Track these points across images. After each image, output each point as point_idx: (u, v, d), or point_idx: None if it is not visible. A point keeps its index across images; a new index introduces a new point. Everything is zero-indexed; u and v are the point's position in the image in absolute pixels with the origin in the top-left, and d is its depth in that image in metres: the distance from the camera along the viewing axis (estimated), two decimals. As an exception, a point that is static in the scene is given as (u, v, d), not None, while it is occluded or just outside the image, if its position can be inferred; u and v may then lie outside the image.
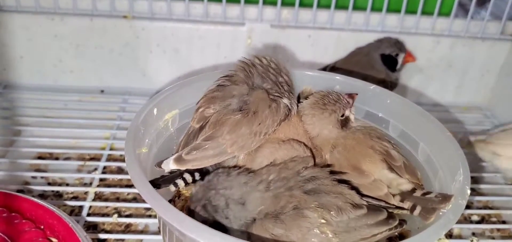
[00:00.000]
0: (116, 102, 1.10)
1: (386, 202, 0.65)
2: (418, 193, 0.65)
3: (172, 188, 0.67)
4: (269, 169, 0.63)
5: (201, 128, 0.70)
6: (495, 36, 1.15)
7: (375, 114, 0.80)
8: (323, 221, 0.57)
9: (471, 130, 1.10)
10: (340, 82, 0.83)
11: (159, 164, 0.67)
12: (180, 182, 0.67)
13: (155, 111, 0.72)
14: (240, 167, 0.66)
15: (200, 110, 0.72)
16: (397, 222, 0.61)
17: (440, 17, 1.13)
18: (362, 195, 0.63)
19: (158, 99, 0.72)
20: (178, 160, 0.66)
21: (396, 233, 0.63)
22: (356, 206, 0.60)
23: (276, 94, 0.71)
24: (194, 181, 0.68)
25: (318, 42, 1.13)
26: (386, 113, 0.79)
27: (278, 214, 0.58)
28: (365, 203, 0.61)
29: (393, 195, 0.65)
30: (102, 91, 1.14)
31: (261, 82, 0.72)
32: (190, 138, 0.70)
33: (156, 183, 0.64)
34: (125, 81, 1.14)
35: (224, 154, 0.67)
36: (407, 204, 0.64)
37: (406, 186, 0.66)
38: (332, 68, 1.05)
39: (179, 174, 0.67)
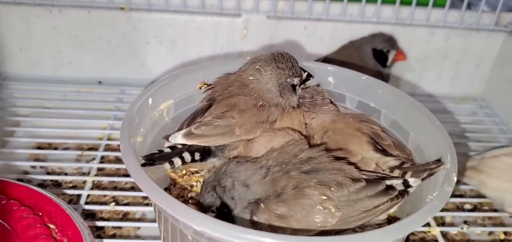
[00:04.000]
0: (114, 93, 1.11)
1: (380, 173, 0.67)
2: (407, 165, 0.67)
3: (167, 166, 0.67)
4: (268, 155, 0.65)
5: (209, 106, 0.72)
6: (490, 27, 1.15)
7: (367, 104, 0.81)
8: (324, 197, 0.59)
9: (463, 121, 1.12)
10: (333, 73, 0.84)
11: (166, 137, 0.69)
12: (177, 161, 0.67)
13: (150, 101, 0.73)
14: (247, 157, 0.67)
15: (210, 90, 0.74)
16: (397, 192, 0.63)
17: (435, 8, 1.13)
18: (360, 170, 0.65)
19: (153, 89, 0.74)
20: (188, 134, 0.68)
21: (399, 204, 0.64)
22: (355, 179, 0.61)
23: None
24: (193, 160, 0.69)
25: (314, 33, 1.14)
26: (377, 103, 0.80)
27: (279, 194, 0.60)
28: (363, 176, 0.63)
29: (382, 170, 0.67)
30: (100, 82, 1.15)
31: None
32: (197, 115, 0.72)
33: (151, 159, 0.65)
34: (123, 72, 1.15)
35: (232, 134, 0.69)
36: (397, 173, 0.66)
37: (393, 162, 0.68)
38: (324, 59, 1.06)
39: (177, 152, 0.68)
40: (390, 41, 1.07)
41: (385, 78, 1.05)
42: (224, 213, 0.61)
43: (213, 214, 0.62)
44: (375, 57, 1.05)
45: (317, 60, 1.07)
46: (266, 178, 0.62)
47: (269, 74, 0.73)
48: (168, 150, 0.69)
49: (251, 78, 0.74)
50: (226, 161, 0.65)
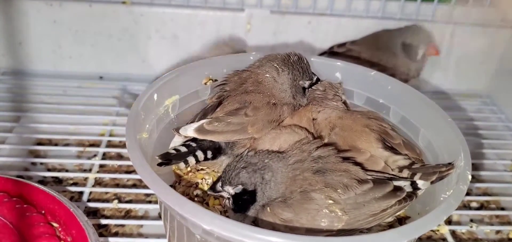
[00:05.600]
0: (115, 88, 1.10)
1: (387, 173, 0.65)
2: (417, 165, 0.66)
3: (182, 165, 0.67)
4: (289, 153, 0.64)
5: (219, 103, 0.71)
6: (495, 23, 1.14)
7: (375, 100, 0.80)
8: (330, 201, 0.57)
9: (468, 118, 1.11)
10: (341, 68, 0.83)
11: (177, 129, 0.68)
12: (191, 160, 0.67)
13: (155, 96, 0.71)
14: (282, 153, 0.66)
15: (220, 87, 0.74)
16: (405, 193, 0.61)
17: (441, 3, 1.12)
18: (367, 170, 0.64)
19: (158, 85, 0.72)
20: (200, 129, 0.67)
21: (405, 208, 0.63)
22: (362, 181, 0.60)
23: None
24: (206, 159, 0.68)
25: (318, 28, 1.13)
26: (387, 99, 0.79)
27: (286, 199, 0.58)
28: (370, 177, 0.61)
29: (392, 169, 0.66)
30: (101, 78, 1.14)
31: None
32: (207, 111, 0.71)
33: (167, 158, 0.65)
34: (124, 67, 1.14)
35: (244, 132, 0.68)
36: (406, 173, 0.65)
37: (403, 162, 0.66)
38: (352, 43, 1.07)
39: (191, 151, 0.67)
40: (421, 35, 1.04)
41: (413, 72, 1.05)
42: (244, 199, 0.60)
43: (238, 190, 0.60)
44: (404, 50, 1.04)
45: (344, 44, 1.07)
46: (288, 177, 0.60)
47: (286, 75, 0.73)
48: (184, 148, 0.67)
49: (267, 75, 0.73)
50: (270, 151, 0.64)
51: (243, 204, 0.61)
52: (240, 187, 0.60)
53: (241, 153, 0.64)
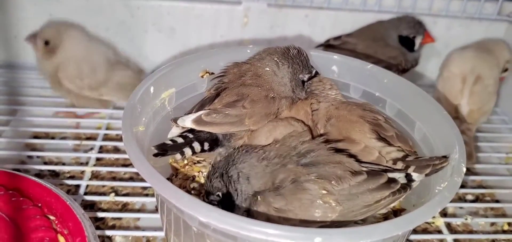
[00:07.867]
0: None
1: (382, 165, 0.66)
2: (410, 158, 0.66)
3: (178, 156, 0.67)
4: (271, 147, 0.64)
5: (217, 95, 0.71)
6: (492, 16, 1.14)
7: (372, 93, 0.80)
8: (324, 191, 0.57)
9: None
10: (337, 62, 0.83)
11: (175, 120, 0.68)
12: (187, 151, 0.67)
13: (151, 89, 0.71)
14: (252, 147, 0.66)
15: (218, 79, 0.74)
16: (399, 185, 0.61)
17: (437, -3, 1.12)
18: (361, 162, 0.64)
19: (155, 78, 0.72)
20: (198, 120, 0.67)
21: (400, 200, 0.63)
22: (356, 172, 0.60)
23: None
24: (202, 150, 0.68)
25: (315, 22, 1.13)
26: (383, 92, 0.79)
27: (278, 188, 0.58)
28: (364, 168, 0.62)
29: (386, 161, 0.66)
30: (98, 71, 1.13)
31: None
32: (205, 103, 0.71)
33: (163, 149, 0.65)
34: (121, 60, 1.13)
35: (241, 124, 0.68)
36: (400, 165, 0.65)
37: (396, 154, 0.67)
38: (347, 36, 1.07)
39: (188, 142, 0.67)
40: (416, 26, 1.05)
41: (410, 62, 1.05)
42: (226, 202, 0.61)
43: (218, 198, 0.61)
44: (401, 42, 1.05)
45: (340, 37, 1.07)
46: (265, 171, 0.61)
47: (286, 69, 0.73)
48: (180, 139, 0.68)
49: (267, 69, 0.73)
50: (235, 149, 0.65)
51: (230, 206, 0.61)
52: (218, 193, 0.61)
53: (213, 162, 0.65)
